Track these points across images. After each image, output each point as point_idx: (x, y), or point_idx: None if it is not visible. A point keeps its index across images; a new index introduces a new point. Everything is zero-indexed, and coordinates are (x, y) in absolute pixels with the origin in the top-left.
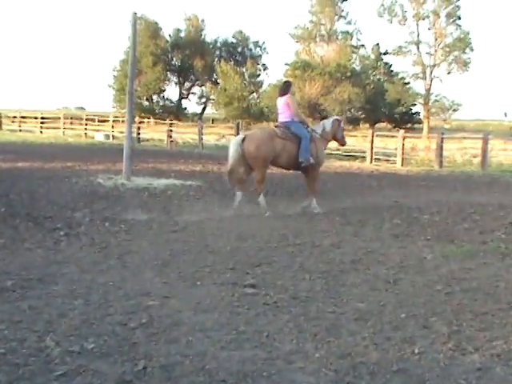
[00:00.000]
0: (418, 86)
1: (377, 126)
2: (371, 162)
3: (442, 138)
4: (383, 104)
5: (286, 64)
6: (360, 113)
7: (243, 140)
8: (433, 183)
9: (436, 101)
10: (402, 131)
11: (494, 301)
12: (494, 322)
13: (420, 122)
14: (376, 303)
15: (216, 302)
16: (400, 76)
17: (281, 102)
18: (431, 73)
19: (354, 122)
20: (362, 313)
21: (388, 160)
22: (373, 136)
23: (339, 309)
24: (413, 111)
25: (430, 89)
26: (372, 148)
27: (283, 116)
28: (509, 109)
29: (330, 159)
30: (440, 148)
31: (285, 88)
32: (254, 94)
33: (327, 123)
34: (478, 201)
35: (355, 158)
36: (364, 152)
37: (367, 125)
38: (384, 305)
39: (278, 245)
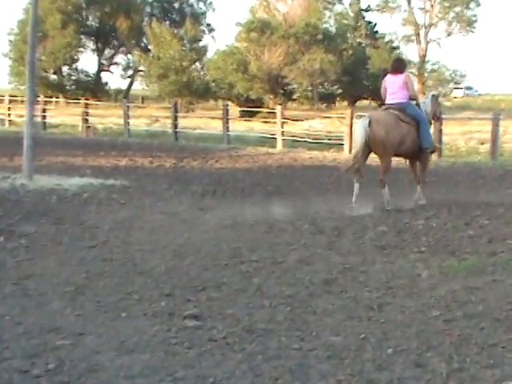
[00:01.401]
0: (410, 52)
1: (357, 104)
2: (350, 152)
3: (441, 120)
4: (365, 75)
5: (239, 24)
6: (336, 87)
7: (370, 123)
8: (429, 178)
9: (433, 71)
10: None
11: (505, 329)
12: (505, 356)
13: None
14: (355, 336)
15: (147, 340)
16: (386, 39)
17: (396, 81)
18: (426, 35)
19: (329, 99)
20: (336, 349)
21: None
22: (352, 118)
23: (307, 344)
24: None
25: (425, 55)
26: (351, 133)
27: (397, 96)
28: None
29: (297, 148)
30: (439, 132)
31: (399, 65)
32: (197, 63)
33: (427, 102)
34: (487, 200)
35: (330, 146)
36: (341, 139)
37: (345, 103)
38: (365, 338)
39: (229, 262)
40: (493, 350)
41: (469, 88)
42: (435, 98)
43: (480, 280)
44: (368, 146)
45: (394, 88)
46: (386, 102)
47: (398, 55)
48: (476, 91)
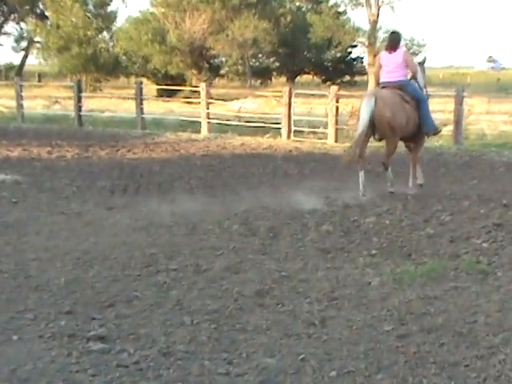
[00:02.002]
0: (360, 18)
1: (297, 80)
2: (289, 137)
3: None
4: (306, 46)
5: None
6: (271, 60)
7: (375, 102)
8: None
9: (386, 40)
10: (335, 88)
11: (468, 344)
12: (469, 376)
13: (363, 72)
14: (293, 356)
15: (43, 367)
16: (331, 3)
17: (393, 58)
18: None
19: (263, 74)
20: (271, 373)
21: (315, 133)
22: (291, 96)
23: (236, 368)
24: (352, 57)
25: (376, 21)
26: (290, 115)
27: (395, 75)
28: (495, 51)
29: (226, 133)
30: None
31: (397, 41)
32: (105, 33)
33: (419, 75)
34: (449, 192)
35: (264, 130)
36: (278, 122)
37: (283, 79)
38: (305, 358)
39: (143, 272)
40: (454, 370)
41: (493, 61)
42: (422, 65)
43: (440, 287)
44: (371, 128)
45: (390, 66)
46: (382, 80)
47: (396, 31)
48: (501, 64)
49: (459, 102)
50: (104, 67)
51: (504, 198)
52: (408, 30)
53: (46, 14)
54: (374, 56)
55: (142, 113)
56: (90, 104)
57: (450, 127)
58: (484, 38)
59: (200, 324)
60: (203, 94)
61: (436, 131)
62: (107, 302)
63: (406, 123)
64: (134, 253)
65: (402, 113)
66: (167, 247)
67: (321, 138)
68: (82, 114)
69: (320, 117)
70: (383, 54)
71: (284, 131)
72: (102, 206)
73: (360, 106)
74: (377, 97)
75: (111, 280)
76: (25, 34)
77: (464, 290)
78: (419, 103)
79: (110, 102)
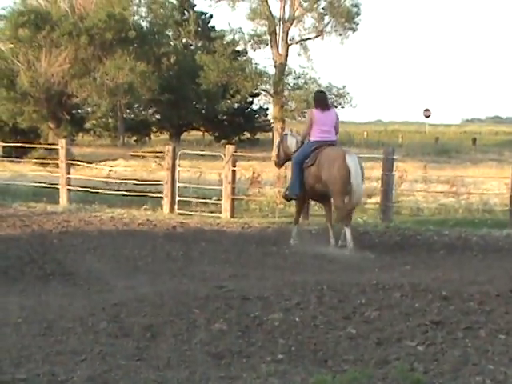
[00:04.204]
0: (263, 60)
1: (184, 137)
2: (172, 210)
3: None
4: (195, 94)
5: (1, 16)
6: (151, 112)
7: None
8: (292, 249)
9: (297, 87)
10: (231, 147)
11: None
12: None
13: (267, 128)
14: None
15: None
16: (227, 39)
17: (328, 117)
18: (286, 34)
19: (140, 130)
20: None
21: (206, 205)
22: (174, 158)
23: None
24: (253, 108)
25: (284, 64)
26: (173, 182)
27: (332, 135)
28: (431, 103)
29: (92, 204)
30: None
31: (327, 98)
32: None
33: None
34: (376, 280)
35: (141, 200)
36: (158, 190)
37: (165, 136)
38: None
39: None
40: None
41: None
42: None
43: None
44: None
45: (326, 126)
46: (318, 139)
47: (319, 89)
48: None
49: (388, 168)
50: None
51: (444, 289)
52: (326, 75)
53: None
54: (281, 107)
55: None
56: None
57: (377, 199)
58: (418, 88)
59: None
60: (62, 153)
61: None
62: None
63: None
64: None
65: None
66: (14, 351)
67: (213, 212)
68: None
69: (212, 184)
70: (317, 113)
71: (166, 202)
72: None
73: (343, 164)
74: (352, 153)
75: None
76: None
77: None
78: None
79: None
